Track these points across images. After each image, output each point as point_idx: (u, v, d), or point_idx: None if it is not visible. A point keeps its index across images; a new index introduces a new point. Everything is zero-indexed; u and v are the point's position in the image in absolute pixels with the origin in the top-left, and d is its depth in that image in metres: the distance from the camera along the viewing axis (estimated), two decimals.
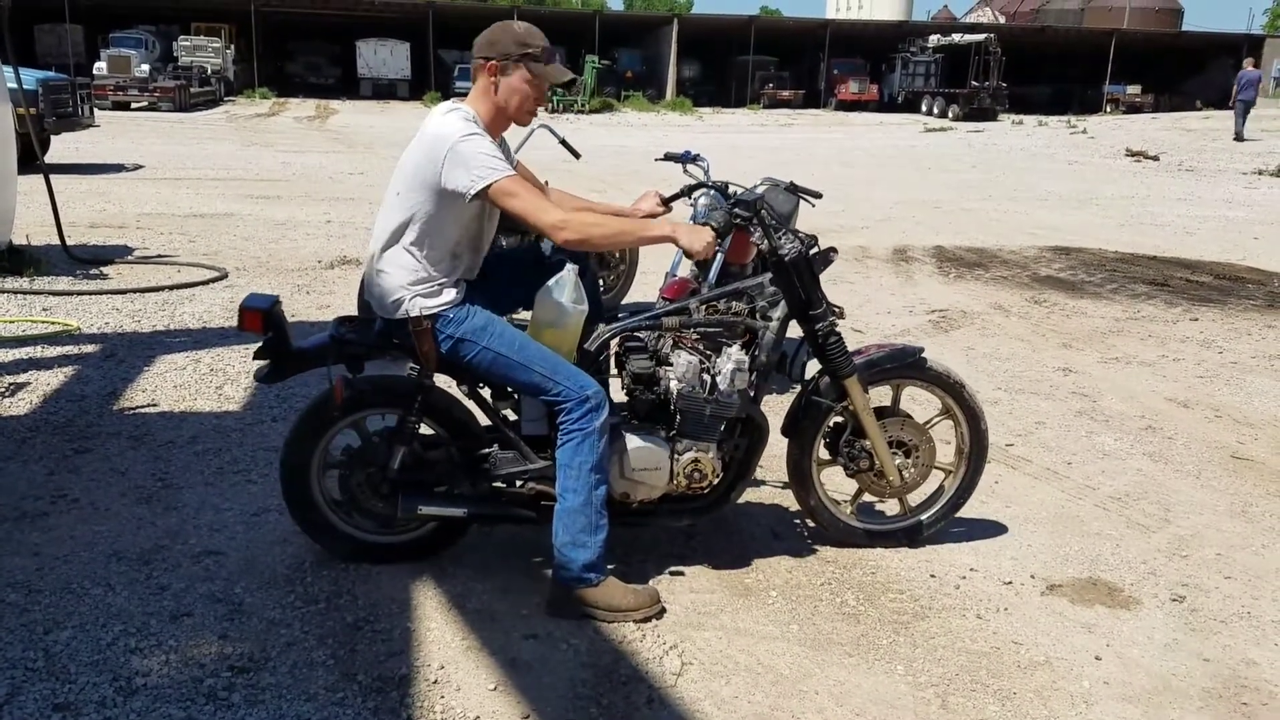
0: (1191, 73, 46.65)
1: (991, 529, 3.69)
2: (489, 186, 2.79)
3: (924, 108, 41.72)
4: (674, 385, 3.09)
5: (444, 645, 2.81)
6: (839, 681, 2.71)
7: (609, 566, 3.02)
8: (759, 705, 2.61)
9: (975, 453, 3.48)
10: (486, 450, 3.12)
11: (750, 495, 3.82)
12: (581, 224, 2.91)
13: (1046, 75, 48.11)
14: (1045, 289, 8.04)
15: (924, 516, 3.51)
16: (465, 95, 3.04)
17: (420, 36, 42.37)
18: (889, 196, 14.13)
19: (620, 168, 16.65)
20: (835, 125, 35.35)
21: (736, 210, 3.11)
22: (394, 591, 3.07)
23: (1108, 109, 45.06)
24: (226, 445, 4.22)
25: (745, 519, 3.65)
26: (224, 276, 7.45)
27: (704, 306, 3.16)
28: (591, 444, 2.90)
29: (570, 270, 3.03)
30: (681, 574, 3.24)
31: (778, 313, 3.17)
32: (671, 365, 3.13)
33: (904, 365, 3.40)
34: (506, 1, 44.39)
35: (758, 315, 3.19)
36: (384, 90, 42.63)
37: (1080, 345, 6.35)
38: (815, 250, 3.22)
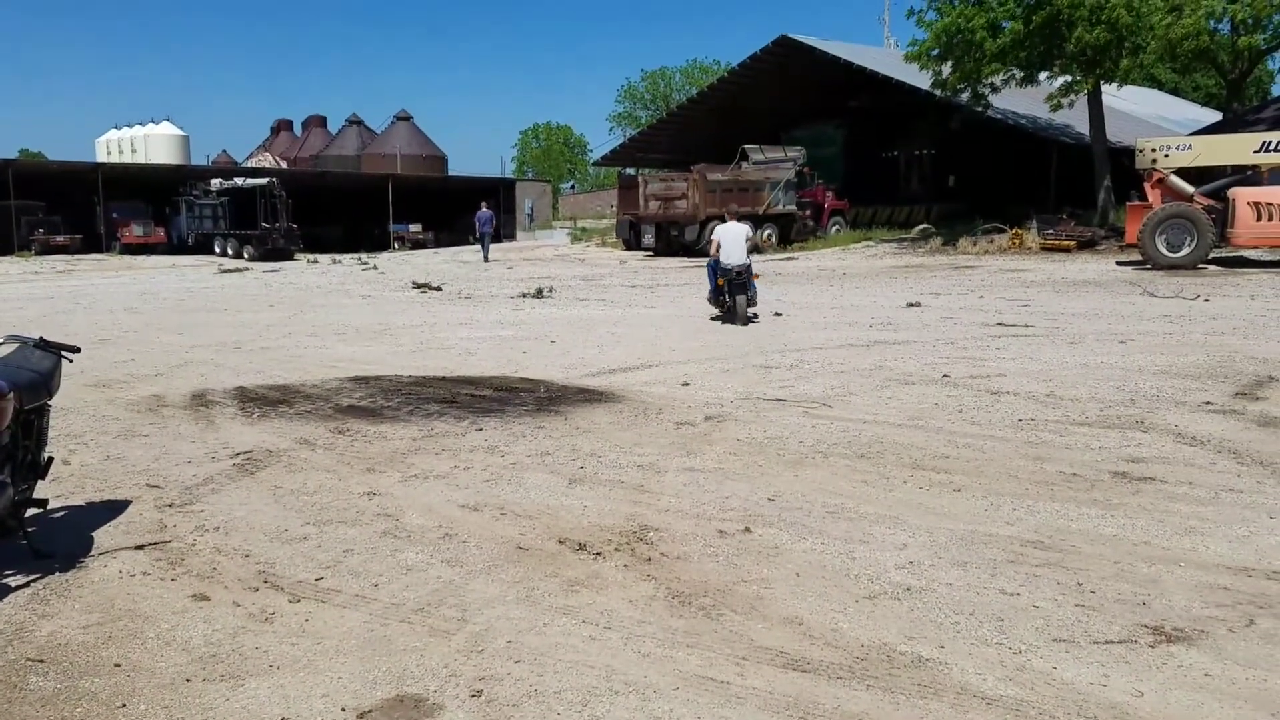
0: (463, 211, 52.67)
1: (302, 670, 3.61)
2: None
3: (217, 249, 41.14)
4: None
5: None
6: None
7: None
8: None
9: None
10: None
11: None
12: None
13: (338, 215, 50.72)
14: (348, 418, 8.27)
15: None
16: None
17: None
18: (185, 340, 13.53)
19: None
20: (123, 269, 33.07)
21: None
22: None
23: (395, 245, 48.88)
24: None
25: None
26: None
27: None
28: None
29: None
30: None
31: None
32: None
33: None
34: None
35: None
36: None
37: (383, 468, 6.62)
38: None
